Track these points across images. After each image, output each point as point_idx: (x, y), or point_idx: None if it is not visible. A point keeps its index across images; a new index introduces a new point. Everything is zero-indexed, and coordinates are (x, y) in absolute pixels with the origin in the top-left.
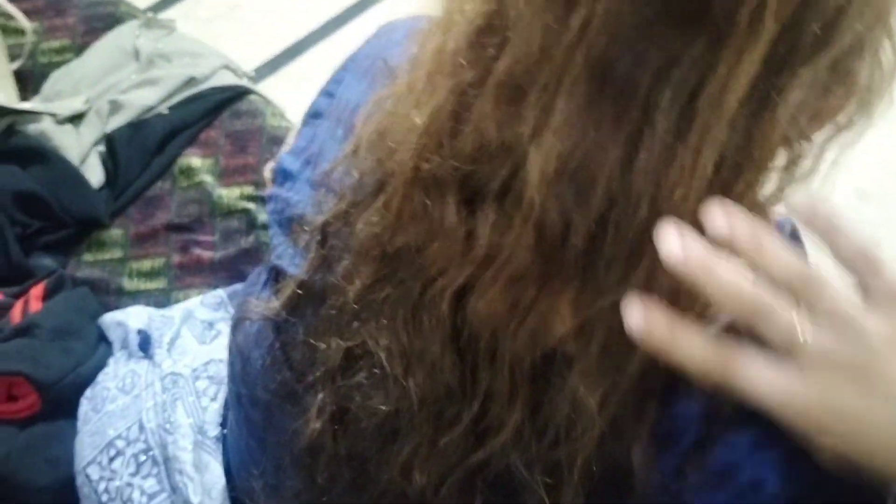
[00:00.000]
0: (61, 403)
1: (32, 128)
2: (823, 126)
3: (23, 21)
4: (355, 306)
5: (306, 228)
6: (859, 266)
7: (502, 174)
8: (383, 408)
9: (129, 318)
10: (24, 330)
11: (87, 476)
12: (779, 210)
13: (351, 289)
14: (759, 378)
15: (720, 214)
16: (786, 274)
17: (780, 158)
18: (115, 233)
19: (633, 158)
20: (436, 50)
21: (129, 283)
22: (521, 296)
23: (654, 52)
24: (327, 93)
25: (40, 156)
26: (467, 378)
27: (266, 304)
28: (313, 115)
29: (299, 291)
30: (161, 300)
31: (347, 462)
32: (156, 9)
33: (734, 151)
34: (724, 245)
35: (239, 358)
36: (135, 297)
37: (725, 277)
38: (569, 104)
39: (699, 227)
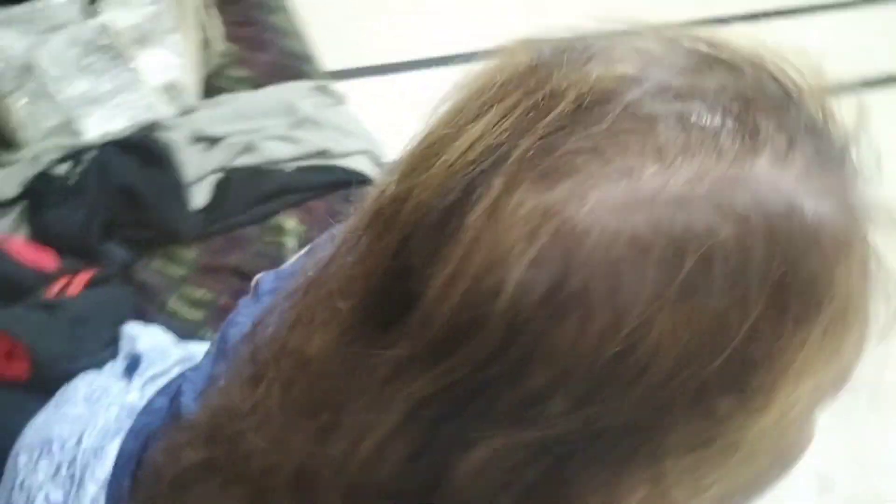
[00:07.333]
0: (48, 384)
1: (167, 135)
2: None
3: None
4: None
5: None
6: None
7: None
8: None
9: (141, 336)
10: (50, 306)
11: (16, 460)
12: None
13: None
14: None
15: None
16: None
17: None
18: (189, 254)
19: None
20: None
21: (172, 303)
22: None
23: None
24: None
25: (161, 162)
26: None
27: None
28: (314, 246)
29: None
30: (189, 330)
31: None
32: (347, 75)
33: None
34: None
35: None
36: (170, 316)
37: None
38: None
39: None
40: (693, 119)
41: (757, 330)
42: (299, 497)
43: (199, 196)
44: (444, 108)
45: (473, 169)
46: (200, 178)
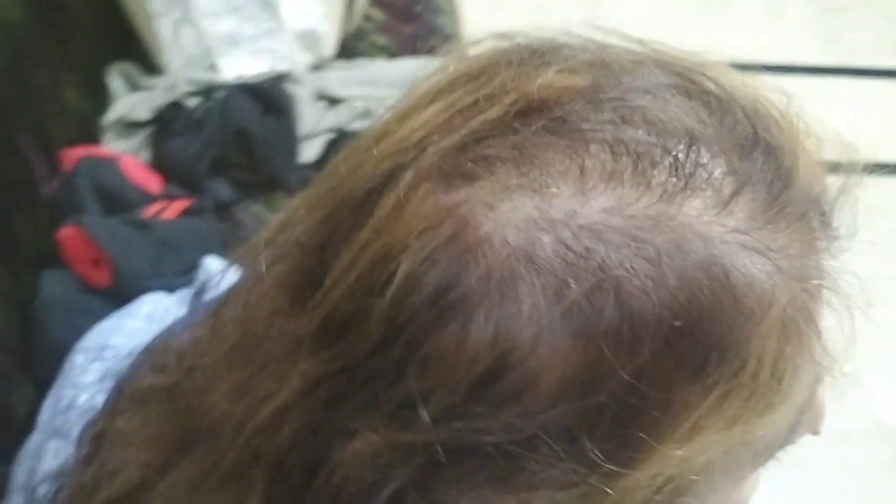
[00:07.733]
0: (125, 296)
1: (293, 87)
2: None
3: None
4: None
5: None
6: None
7: None
8: None
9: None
10: (142, 225)
11: (74, 358)
12: None
13: None
14: None
15: None
16: None
17: None
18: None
19: None
20: None
21: None
22: None
23: None
24: None
25: (281, 112)
26: None
27: None
28: None
29: None
30: None
31: None
32: None
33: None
34: None
35: None
36: None
37: None
38: None
39: None
40: (628, 146)
41: (641, 378)
42: (213, 446)
43: (310, 151)
44: (404, 96)
45: (399, 159)
46: (314, 135)
